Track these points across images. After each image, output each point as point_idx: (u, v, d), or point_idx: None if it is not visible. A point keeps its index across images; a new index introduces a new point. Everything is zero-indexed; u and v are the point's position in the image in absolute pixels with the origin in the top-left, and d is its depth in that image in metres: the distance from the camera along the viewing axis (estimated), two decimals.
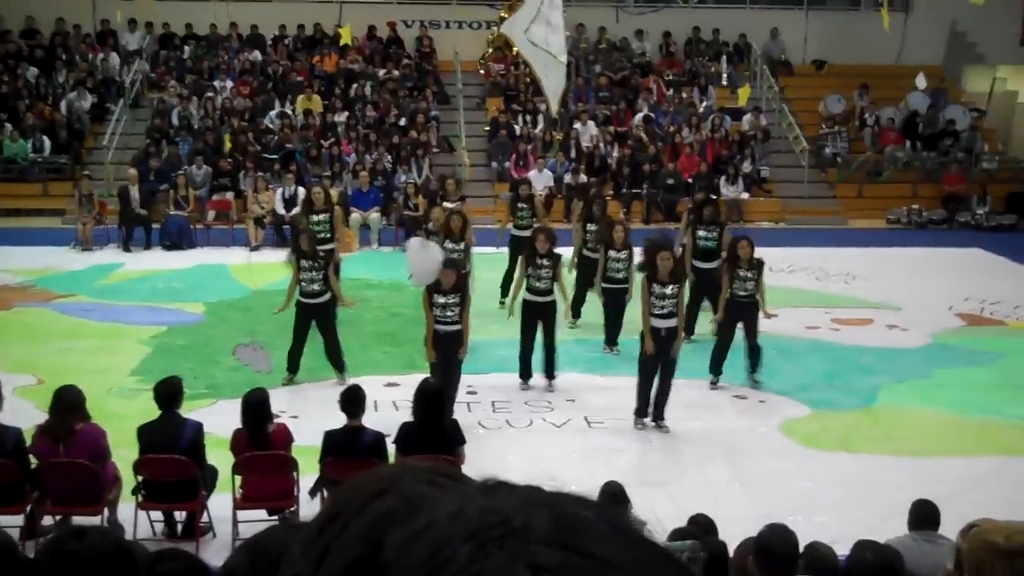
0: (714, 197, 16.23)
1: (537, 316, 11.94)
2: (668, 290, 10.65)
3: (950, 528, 6.43)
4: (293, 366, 12.02)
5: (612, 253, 13.09)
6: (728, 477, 9.80)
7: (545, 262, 11.84)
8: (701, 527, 6.64)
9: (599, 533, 0.92)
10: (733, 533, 6.64)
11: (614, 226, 13.46)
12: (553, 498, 0.96)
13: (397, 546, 0.91)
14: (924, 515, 6.75)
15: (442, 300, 10.71)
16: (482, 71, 26.46)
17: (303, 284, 11.84)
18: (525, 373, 12.16)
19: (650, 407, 10.94)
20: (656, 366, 10.78)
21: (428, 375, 9.37)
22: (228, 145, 22.31)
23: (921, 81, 24.31)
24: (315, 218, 14.11)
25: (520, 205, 15.36)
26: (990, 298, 16.38)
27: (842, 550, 6.18)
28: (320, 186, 15.54)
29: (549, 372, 12.23)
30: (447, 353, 10.74)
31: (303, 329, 11.90)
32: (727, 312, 11.99)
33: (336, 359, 12.09)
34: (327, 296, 11.95)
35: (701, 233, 13.77)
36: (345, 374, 11.88)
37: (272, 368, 10.44)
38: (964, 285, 17.16)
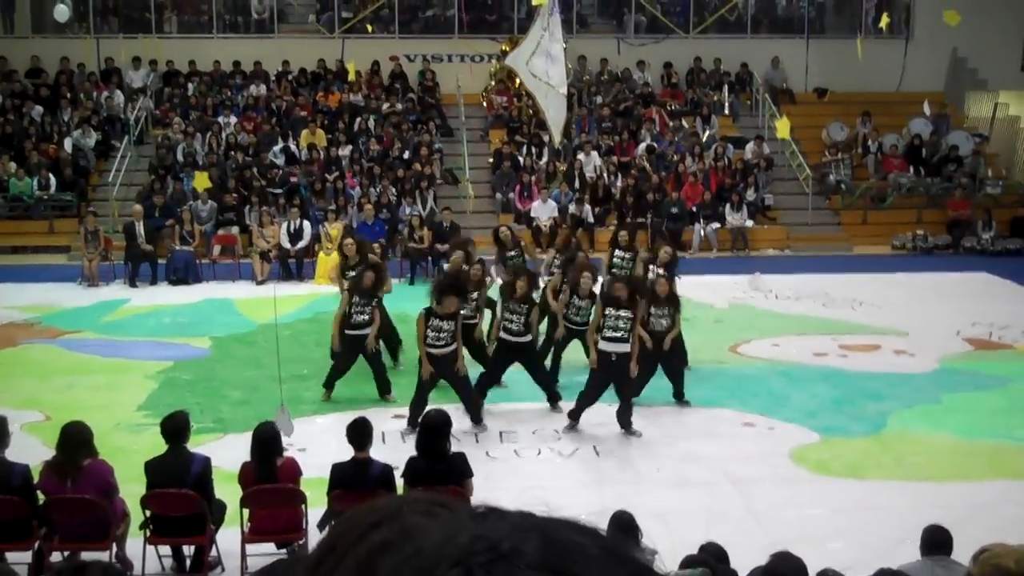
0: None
1: (511, 354, 12.00)
2: (622, 313, 10.95)
3: (962, 553, 6.41)
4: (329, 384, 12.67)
5: (575, 300, 12.43)
6: (738, 505, 9.76)
7: (521, 307, 11.80)
8: (712, 555, 6.61)
9: (589, 557, 0.91)
10: (744, 561, 6.61)
11: (581, 272, 12.51)
12: (544, 523, 0.96)
13: (388, 572, 0.90)
14: (936, 540, 6.72)
15: (438, 323, 11.12)
16: (485, 103, 26.58)
17: (353, 316, 12.32)
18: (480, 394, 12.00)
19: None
20: (605, 387, 11.29)
21: (432, 408, 9.33)
22: (203, 187, 21.18)
23: (927, 107, 24.33)
24: (351, 273, 13.95)
25: (510, 255, 14.46)
26: (998, 322, 16.34)
27: None
28: (354, 239, 15.11)
29: (552, 400, 12.22)
30: (443, 373, 11.29)
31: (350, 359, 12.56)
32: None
33: (382, 384, 12.65)
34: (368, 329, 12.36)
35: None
36: (389, 395, 12.54)
37: (293, 432, 10.18)
38: (971, 310, 17.13)
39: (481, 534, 0.92)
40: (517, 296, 11.81)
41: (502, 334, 11.90)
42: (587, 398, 11.43)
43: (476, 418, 11.67)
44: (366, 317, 12.33)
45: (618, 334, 10.96)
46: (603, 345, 11.04)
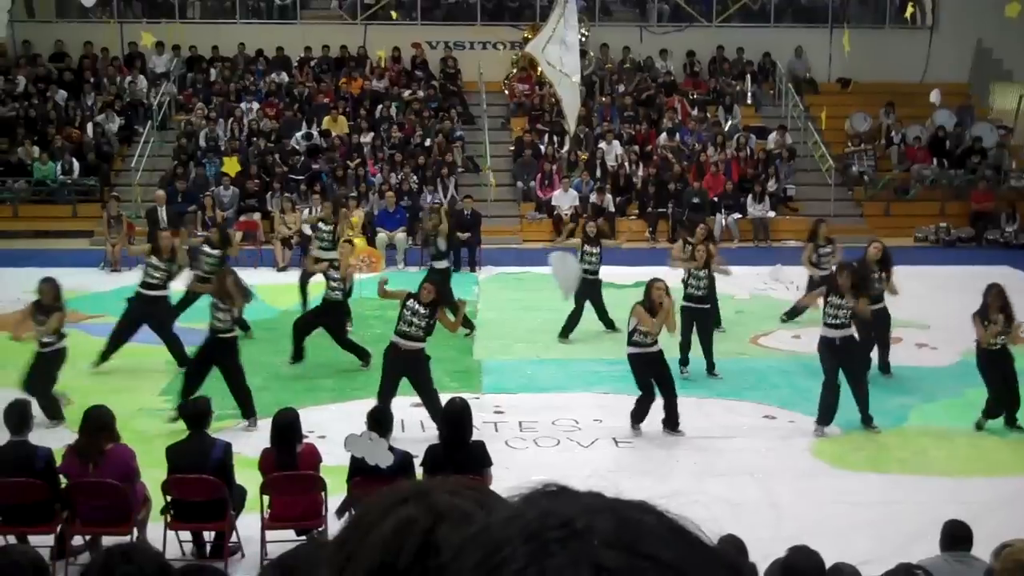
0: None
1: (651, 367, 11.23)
2: (843, 301, 11.23)
3: (982, 548, 6.39)
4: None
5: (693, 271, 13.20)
6: (758, 498, 9.74)
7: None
8: (731, 547, 6.60)
9: (661, 537, 0.93)
10: (763, 554, 6.59)
11: (696, 247, 13.47)
12: (615, 503, 0.98)
13: (454, 548, 0.91)
14: (956, 535, 6.70)
15: (414, 307, 10.87)
16: (506, 91, 26.54)
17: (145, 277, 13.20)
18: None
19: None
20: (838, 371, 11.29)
21: (455, 397, 9.30)
22: (234, 171, 21.69)
23: (935, 96, 24.13)
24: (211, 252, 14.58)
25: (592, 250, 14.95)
26: (1020, 316, 16.19)
27: (873, 571, 6.14)
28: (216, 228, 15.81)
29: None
30: (404, 371, 10.89)
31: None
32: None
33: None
34: (160, 292, 13.16)
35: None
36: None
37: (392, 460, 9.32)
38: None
39: (553, 510, 0.94)
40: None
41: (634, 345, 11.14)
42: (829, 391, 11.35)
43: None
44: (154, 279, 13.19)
45: (838, 321, 11.24)
46: (826, 332, 11.33)
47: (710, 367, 13.13)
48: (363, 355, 13.22)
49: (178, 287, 13.89)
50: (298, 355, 13.50)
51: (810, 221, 15.34)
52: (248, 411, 11.35)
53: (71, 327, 15.28)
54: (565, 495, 0.98)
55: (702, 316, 13.15)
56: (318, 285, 14.36)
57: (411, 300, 11.02)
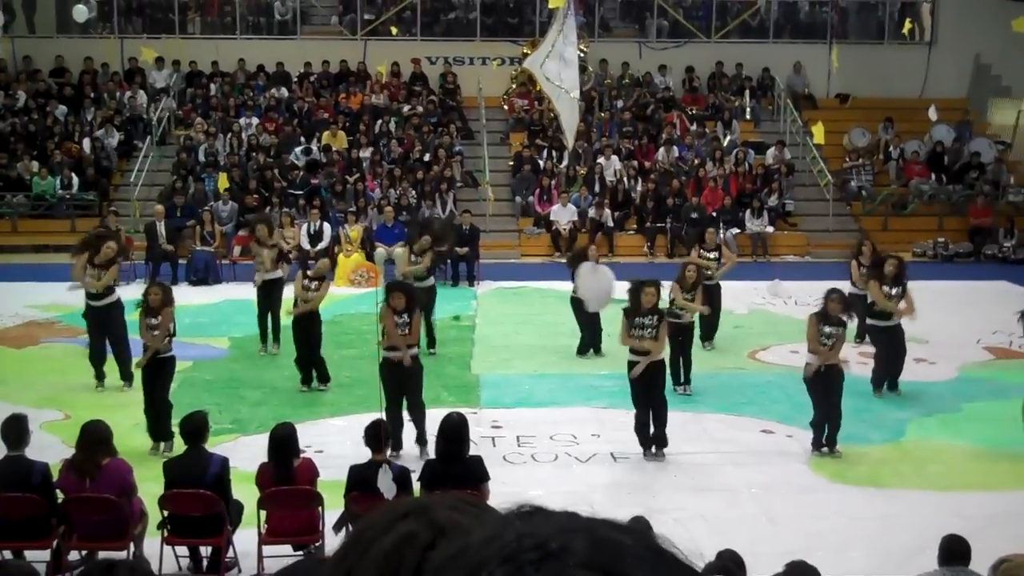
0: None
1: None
2: (646, 320, 10.76)
3: (980, 563, 6.37)
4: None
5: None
6: (756, 512, 9.73)
7: (647, 320, 10.90)
8: (730, 562, 6.59)
9: (637, 557, 0.92)
10: (761, 569, 6.59)
11: (686, 267, 13.28)
12: (590, 523, 0.97)
13: (433, 570, 0.91)
14: (954, 550, 6.68)
15: (400, 320, 10.78)
16: (506, 106, 26.59)
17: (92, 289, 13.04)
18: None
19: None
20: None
21: (451, 411, 9.28)
22: (224, 187, 21.82)
23: (933, 113, 24.17)
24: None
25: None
26: (1018, 331, 16.20)
27: None
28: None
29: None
30: (402, 377, 10.83)
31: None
32: None
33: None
34: (112, 298, 13.05)
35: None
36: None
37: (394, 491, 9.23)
38: (991, 318, 17.00)
39: (528, 532, 0.93)
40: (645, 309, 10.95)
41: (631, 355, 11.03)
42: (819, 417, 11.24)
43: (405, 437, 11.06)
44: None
45: (828, 345, 10.97)
46: (811, 358, 11.08)
47: (677, 381, 12.98)
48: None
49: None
50: (316, 377, 13.37)
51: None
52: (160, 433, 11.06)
53: (69, 341, 15.32)
54: (540, 516, 0.97)
55: (687, 331, 13.10)
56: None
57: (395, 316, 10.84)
